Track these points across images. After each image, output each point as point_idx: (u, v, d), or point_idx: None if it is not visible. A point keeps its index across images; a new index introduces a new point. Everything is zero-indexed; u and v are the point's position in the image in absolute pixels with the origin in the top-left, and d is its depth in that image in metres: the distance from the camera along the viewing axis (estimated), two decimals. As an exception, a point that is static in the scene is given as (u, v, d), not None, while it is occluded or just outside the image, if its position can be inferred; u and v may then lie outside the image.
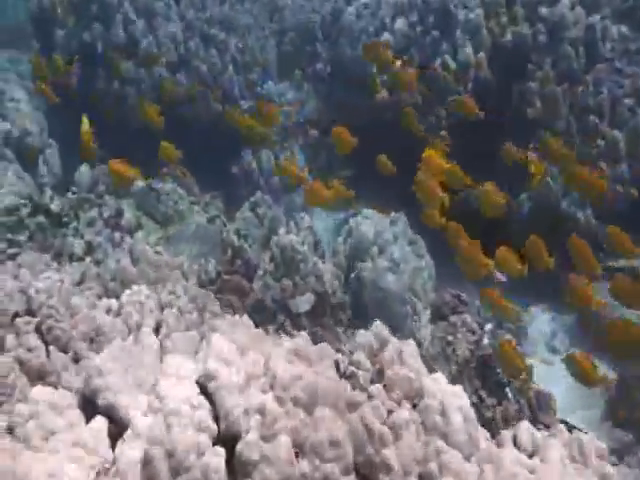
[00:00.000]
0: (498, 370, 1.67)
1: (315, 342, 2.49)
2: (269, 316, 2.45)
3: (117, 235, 2.94)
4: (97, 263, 2.33)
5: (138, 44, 4.33)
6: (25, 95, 3.64)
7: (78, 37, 4.58)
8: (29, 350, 1.09)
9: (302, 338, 0.99)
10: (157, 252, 2.09)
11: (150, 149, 4.28)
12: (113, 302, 1.39)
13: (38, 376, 1.07)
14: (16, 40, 8.34)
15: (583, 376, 1.85)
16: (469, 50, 3.05)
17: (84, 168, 3.50)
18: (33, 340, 1.12)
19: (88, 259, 2.41)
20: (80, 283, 2.14)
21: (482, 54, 3.09)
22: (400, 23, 3.34)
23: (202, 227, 3.06)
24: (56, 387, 0.99)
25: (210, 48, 4.26)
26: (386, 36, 3.34)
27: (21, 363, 1.07)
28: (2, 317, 1.14)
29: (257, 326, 2.45)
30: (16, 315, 1.17)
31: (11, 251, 2.43)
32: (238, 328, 1.19)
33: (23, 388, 0.99)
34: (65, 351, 1.15)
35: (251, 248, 3.08)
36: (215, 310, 1.86)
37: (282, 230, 2.55)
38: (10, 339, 1.11)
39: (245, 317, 1.26)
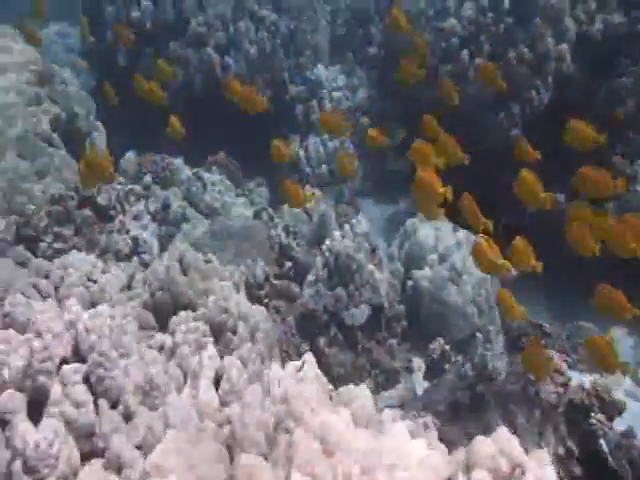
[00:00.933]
0: (592, 419, 1.47)
1: (369, 359, 2.32)
2: (320, 327, 2.29)
3: (163, 229, 2.81)
4: (145, 265, 2.20)
5: (187, 23, 4.14)
6: (72, 75, 3.51)
7: (127, 13, 4.42)
8: (76, 405, 0.95)
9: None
10: (207, 260, 1.93)
11: (196, 132, 4.13)
12: (167, 340, 1.24)
13: (85, 436, 0.93)
14: (67, 12, 8.26)
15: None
16: (549, 40, 2.73)
17: (131, 154, 3.37)
18: (81, 393, 0.98)
19: (135, 259, 2.28)
20: (127, 287, 2.01)
21: (565, 45, 2.77)
22: (468, 7, 3.04)
23: (248, 223, 2.89)
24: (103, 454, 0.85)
25: (260, 30, 4.04)
26: (451, 22, 3.05)
27: (67, 421, 0.93)
28: (48, 363, 1.00)
29: (306, 337, 2.29)
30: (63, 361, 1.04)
31: (57, 245, 2.32)
32: (307, 386, 1.02)
33: (69, 457, 0.85)
34: (115, 405, 1.01)
35: (299, 246, 2.91)
36: (271, 343, 1.70)
37: (336, 234, 2.36)
38: (56, 390, 0.97)
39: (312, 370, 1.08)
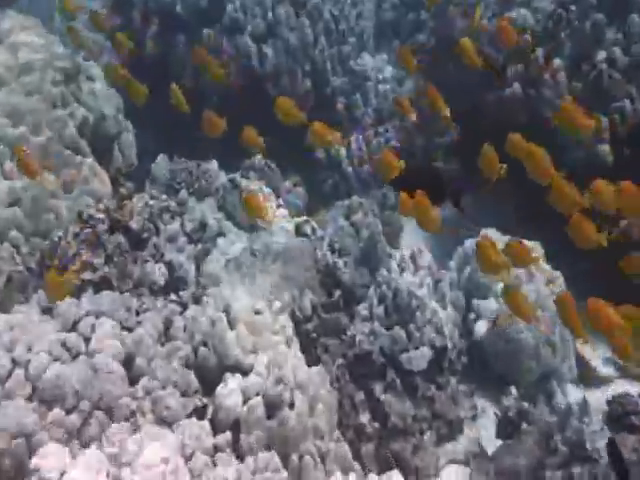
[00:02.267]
0: None
1: (431, 408, 2.06)
2: (376, 371, 2.03)
3: (199, 247, 2.57)
4: (182, 305, 1.96)
5: (222, 8, 3.82)
6: (98, 71, 3.24)
7: (156, -4, 4.11)
8: None
9: None
10: (257, 311, 1.68)
11: (230, 129, 3.85)
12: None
13: None
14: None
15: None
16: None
17: (162, 160, 3.11)
18: None
19: (172, 297, 2.04)
20: (164, 338, 1.78)
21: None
22: (547, -1, 2.62)
23: (292, 241, 2.62)
24: None
25: (301, 15, 3.69)
26: (522, 13, 2.67)
27: None
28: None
29: (360, 383, 2.04)
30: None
31: (86, 276, 2.10)
32: None
33: None
34: None
35: (346, 266, 2.64)
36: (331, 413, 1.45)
37: (394, 266, 2.08)
38: None
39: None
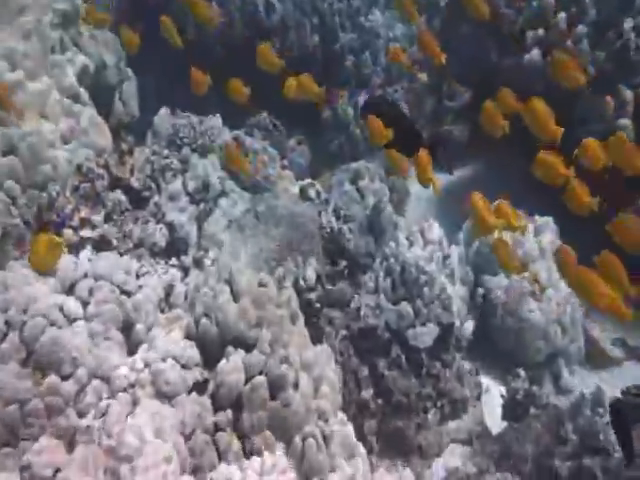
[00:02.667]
0: None
1: (435, 386, 2.02)
2: (380, 346, 1.98)
3: (201, 207, 2.47)
4: (183, 269, 1.88)
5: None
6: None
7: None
8: None
9: None
10: (262, 284, 1.60)
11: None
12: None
13: None
14: None
15: None
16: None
17: (164, 113, 2.96)
18: None
19: (173, 260, 1.96)
20: (164, 304, 1.71)
21: None
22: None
23: (296, 206, 2.53)
24: None
25: (311, -35, 3.47)
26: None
27: None
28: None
29: (364, 357, 1.99)
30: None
31: (85, 234, 2.00)
32: None
33: None
34: None
35: (351, 232, 2.56)
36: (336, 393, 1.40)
37: (403, 239, 2.00)
38: None
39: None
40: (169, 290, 1.76)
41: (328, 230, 2.38)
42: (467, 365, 2.11)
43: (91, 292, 1.60)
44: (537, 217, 2.26)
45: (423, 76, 3.48)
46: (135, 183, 2.10)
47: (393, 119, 1.80)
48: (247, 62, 3.75)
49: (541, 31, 2.54)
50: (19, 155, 2.23)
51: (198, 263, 2.20)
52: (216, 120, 3.09)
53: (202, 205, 2.47)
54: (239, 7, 3.61)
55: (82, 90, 2.63)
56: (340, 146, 3.59)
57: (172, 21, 2.85)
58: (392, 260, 1.97)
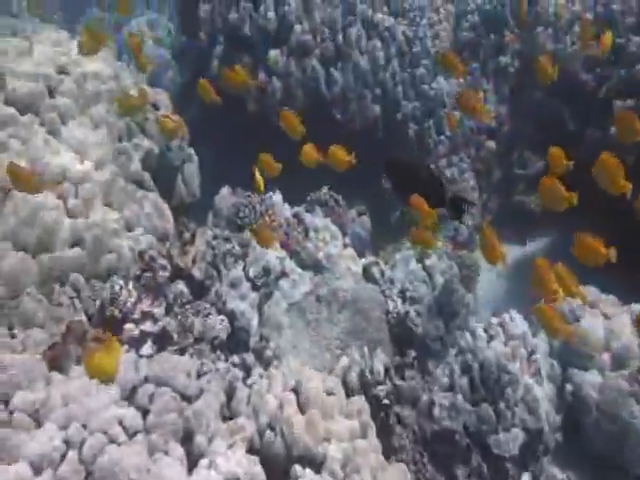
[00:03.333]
0: None
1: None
2: (459, 453, 1.82)
3: (262, 293, 2.43)
4: (245, 368, 1.82)
5: (290, 29, 3.71)
6: (165, 97, 3.17)
7: (224, 14, 4.05)
8: None
9: None
10: (330, 392, 1.51)
11: (292, 155, 3.72)
12: None
13: None
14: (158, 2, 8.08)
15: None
16: None
17: (226, 191, 3.01)
18: None
19: (235, 358, 1.90)
20: (226, 409, 1.64)
21: None
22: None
23: (360, 289, 2.44)
24: None
25: (373, 37, 3.53)
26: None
27: None
28: None
29: (440, 465, 1.83)
30: None
31: (145, 328, 1.99)
32: None
33: None
34: None
35: (419, 316, 2.44)
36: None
37: (482, 333, 1.87)
38: None
39: None
40: (231, 392, 1.69)
41: (394, 315, 2.27)
42: (558, 473, 1.90)
43: (151, 399, 1.56)
44: (633, 305, 2.07)
45: (491, 144, 3.39)
46: (197, 273, 2.09)
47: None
48: (307, 133, 3.83)
49: (630, 101, 2.40)
50: (85, 246, 2.30)
51: (259, 354, 2.14)
52: (277, 197, 3.11)
53: (262, 289, 2.44)
54: (299, 79, 3.70)
55: (146, 175, 2.72)
56: (401, 218, 3.53)
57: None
58: (469, 356, 1.83)
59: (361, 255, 3.47)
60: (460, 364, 1.86)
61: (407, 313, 2.30)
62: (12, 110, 2.47)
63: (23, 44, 2.68)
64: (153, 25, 7.19)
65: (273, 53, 3.80)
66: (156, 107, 3.03)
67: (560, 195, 1.71)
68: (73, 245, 2.28)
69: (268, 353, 2.10)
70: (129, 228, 2.51)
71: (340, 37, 3.55)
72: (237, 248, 2.36)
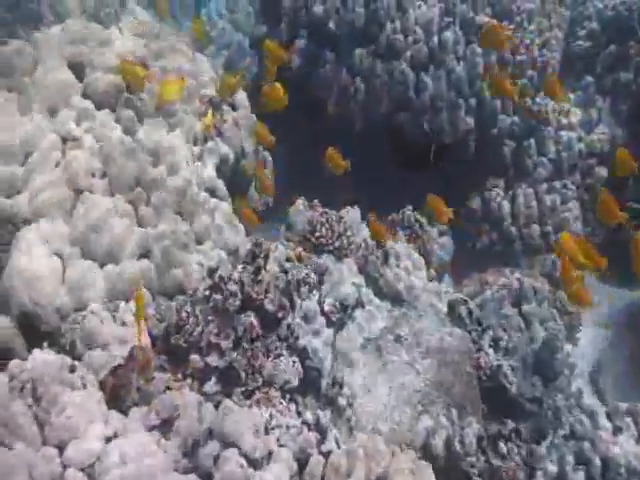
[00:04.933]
0: None
1: None
2: None
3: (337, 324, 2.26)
4: (319, 429, 1.65)
5: (381, 28, 3.49)
6: (243, 96, 3.03)
7: (309, 6, 3.88)
8: None
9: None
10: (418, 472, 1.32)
11: (373, 167, 3.52)
12: None
13: None
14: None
15: None
16: None
17: (301, 205, 2.85)
18: None
19: (308, 416, 1.74)
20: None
21: None
22: None
23: (446, 334, 2.23)
24: None
25: (472, 42, 3.26)
26: None
27: None
28: None
29: None
30: None
31: (211, 361, 1.86)
32: None
33: None
34: None
35: (514, 371, 2.20)
36: None
37: (602, 417, 1.62)
38: None
39: None
40: (303, 458, 1.53)
41: (487, 371, 2.05)
42: None
43: (216, 461, 1.42)
44: None
45: (601, 170, 3.08)
46: (269, 305, 1.94)
47: None
48: (389, 141, 3.61)
49: None
50: (153, 258, 2.20)
51: (332, 401, 1.97)
52: (354, 213, 2.92)
53: (336, 321, 2.27)
54: (385, 82, 3.48)
55: (220, 182, 2.60)
56: (490, 244, 3.26)
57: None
58: (586, 445, 1.59)
59: (440, 280, 3.25)
60: (573, 452, 1.63)
61: (500, 367, 2.07)
62: (88, 103, 2.40)
63: (104, 33, 2.59)
64: (232, 6, 7.11)
65: (359, 52, 3.60)
66: (234, 107, 2.89)
67: None
68: (141, 257, 2.19)
69: (342, 402, 1.92)
70: (198, 241, 2.39)
71: (435, 39, 3.30)
72: (313, 276, 2.19)
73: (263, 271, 2.04)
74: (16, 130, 2.17)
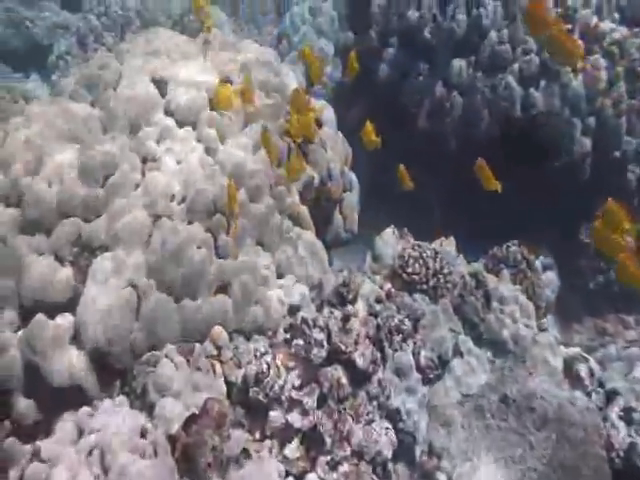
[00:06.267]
0: None
1: None
2: None
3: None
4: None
5: (484, 36, 3.26)
6: (330, 112, 2.88)
7: (402, 12, 3.70)
8: None
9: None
10: None
11: (472, 192, 3.27)
12: None
13: None
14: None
15: None
16: None
17: (390, 234, 2.66)
18: None
19: (401, 467, 1.55)
20: None
21: None
22: None
23: (564, 400, 1.96)
24: None
25: (594, 51, 2.96)
26: None
27: None
28: None
29: None
30: None
31: (293, 420, 1.70)
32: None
33: None
34: None
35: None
36: None
37: None
38: None
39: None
40: None
41: (620, 452, 1.77)
42: None
43: None
44: None
45: None
46: (359, 360, 1.76)
47: None
48: (493, 165, 3.33)
49: None
50: (231, 293, 2.08)
51: (428, 476, 1.77)
52: (450, 246, 2.71)
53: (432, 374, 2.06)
54: (490, 99, 3.24)
55: (303, 209, 2.45)
56: (606, 283, 2.94)
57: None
58: None
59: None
60: None
61: (634, 446, 1.79)
62: (170, 121, 2.32)
63: (189, 45, 2.52)
64: (315, 12, 7.04)
65: (457, 63, 3.39)
66: (319, 124, 2.75)
67: None
68: (218, 290, 2.07)
69: (440, 478, 1.71)
70: (280, 274, 2.25)
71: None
72: (407, 323, 1.99)
73: (352, 318, 1.87)
74: (97, 149, 2.12)
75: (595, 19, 2.88)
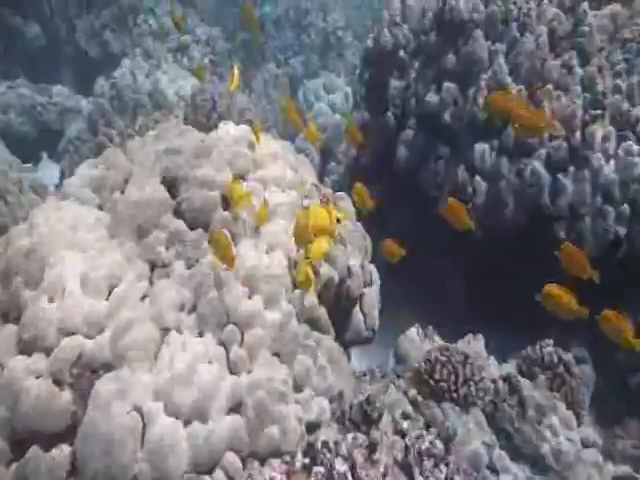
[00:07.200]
0: None
1: None
2: None
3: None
4: None
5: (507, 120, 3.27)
6: (349, 204, 2.87)
7: (420, 95, 3.76)
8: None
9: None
10: None
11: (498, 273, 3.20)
12: None
13: None
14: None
15: None
16: None
17: (415, 334, 2.58)
18: None
19: None
20: None
21: None
22: None
23: None
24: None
25: (627, 137, 2.95)
26: None
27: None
28: None
29: None
30: None
31: None
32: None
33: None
34: None
35: None
36: None
37: None
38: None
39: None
40: None
41: None
42: None
43: None
44: None
45: None
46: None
47: None
48: (517, 254, 3.26)
49: None
50: (245, 413, 1.99)
51: None
52: (478, 345, 2.62)
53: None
54: (513, 184, 3.22)
55: (323, 311, 2.39)
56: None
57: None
58: None
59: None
60: None
61: None
62: (180, 224, 2.31)
63: (201, 146, 2.54)
64: (329, 88, 7.24)
65: (479, 147, 3.40)
66: (337, 219, 2.73)
67: None
68: (231, 410, 1.99)
69: None
70: (297, 387, 2.17)
71: (578, 134, 3.02)
72: (439, 446, 1.88)
73: (378, 447, 1.77)
74: (102, 260, 2.10)
75: (626, 105, 2.89)
